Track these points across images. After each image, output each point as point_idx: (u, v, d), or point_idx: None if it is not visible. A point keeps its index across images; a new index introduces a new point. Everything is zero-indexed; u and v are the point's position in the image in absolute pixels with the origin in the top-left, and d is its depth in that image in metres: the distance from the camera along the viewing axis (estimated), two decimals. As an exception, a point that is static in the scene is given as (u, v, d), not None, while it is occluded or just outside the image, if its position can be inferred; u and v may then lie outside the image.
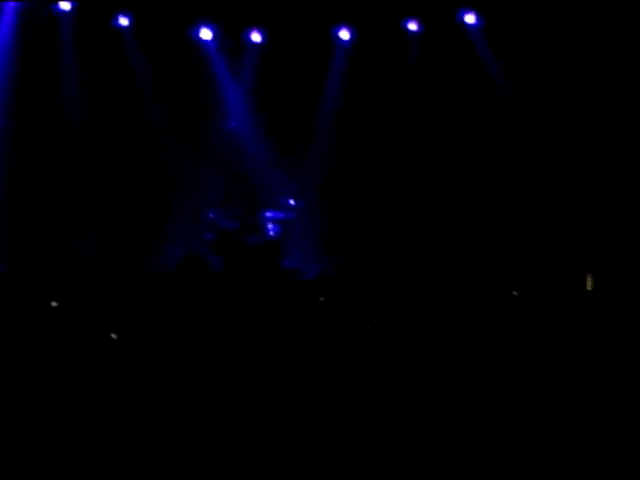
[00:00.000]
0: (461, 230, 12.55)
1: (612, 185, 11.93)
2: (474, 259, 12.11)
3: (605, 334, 7.22)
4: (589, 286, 10.93)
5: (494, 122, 12.58)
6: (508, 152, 12.51)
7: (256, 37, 13.04)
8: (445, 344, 7.61)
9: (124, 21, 12.74)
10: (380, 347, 7.93)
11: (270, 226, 13.04)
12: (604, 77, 11.84)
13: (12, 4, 12.33)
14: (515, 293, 10.00)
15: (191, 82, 13.02)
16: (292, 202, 13.18)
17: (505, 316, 8.81)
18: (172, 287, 10.64)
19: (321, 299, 11.02)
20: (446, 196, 12.71)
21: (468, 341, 7.77)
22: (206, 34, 12.93)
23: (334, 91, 13.08)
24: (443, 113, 12.64)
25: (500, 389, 6.14)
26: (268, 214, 13.10)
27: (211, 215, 13.03)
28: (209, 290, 10.69)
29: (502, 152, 12.53)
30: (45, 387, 6.03)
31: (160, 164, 13.06)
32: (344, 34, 12.88)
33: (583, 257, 11.68)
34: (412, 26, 12.66)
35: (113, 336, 8.27)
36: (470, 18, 12.46)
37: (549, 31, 11.93)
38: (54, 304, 9.09)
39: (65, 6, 12.48)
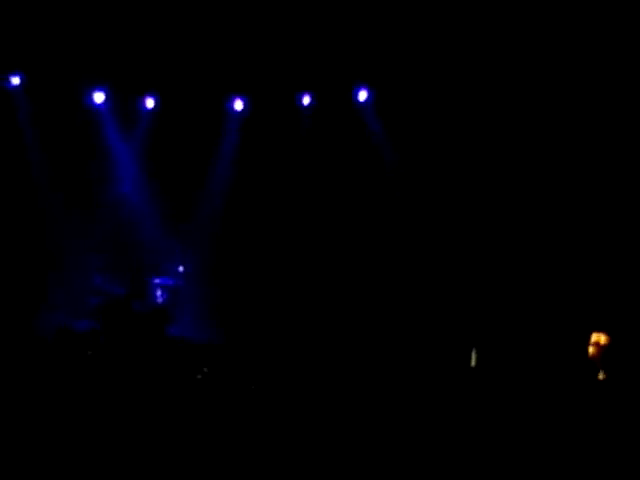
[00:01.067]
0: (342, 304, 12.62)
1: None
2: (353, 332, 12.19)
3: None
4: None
5: (380, 187, 12.75)
6: (390, 217, 12.68)
7: (150, 103, 13.02)
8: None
9: (15, 80, 12.56)
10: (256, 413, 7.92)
11: (158, 293, 12.89)
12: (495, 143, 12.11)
13: None
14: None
15: (83, 145, 12.90)
16: (181, 269, 13.09)
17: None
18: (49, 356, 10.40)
19: (205, 369, 10.91)
20: (332, 263, 12.79)
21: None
22: (99, 97, 12.83)
23: (226, 158, 13.13)
24: (331, 180, 12.78)
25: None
26: (156, 280, 12.96)
27: (98, 280, 12.81)
28: (89, 359, 10.48)
29: (385, 216, 12.69)
30: None
31: (48, 227, 12.81)
32: (238, 104, 12.97)
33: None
34: (305, 100, 12.84)
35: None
36: (362, 95, 12.69)
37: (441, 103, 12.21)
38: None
39: None
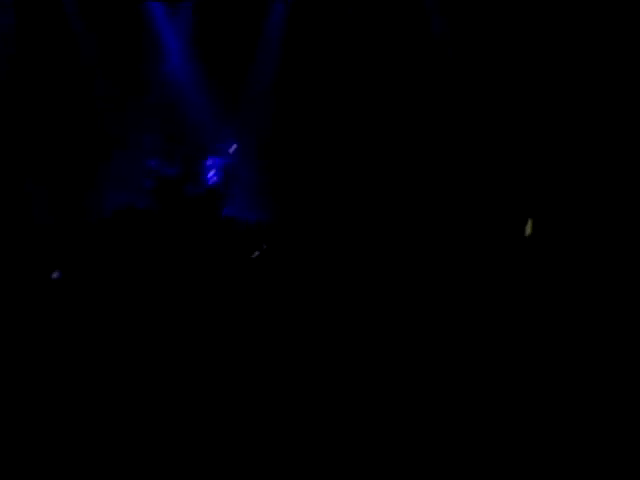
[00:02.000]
0: (399, 181, 12.55)
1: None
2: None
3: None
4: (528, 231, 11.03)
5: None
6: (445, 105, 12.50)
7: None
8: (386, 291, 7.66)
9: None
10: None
11: (211, 174, 12.93)
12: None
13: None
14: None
15: (126, 28, 12.78)
16: (233, 149, 13.07)
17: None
18: (110, 236, 10.57)
19: (264, 246, 11.02)
20: (388, 147, 12.68)
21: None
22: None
23: (273, 37, 12.94)
24: (384, 66, 12.57)
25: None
26: (209, 161, 12.98)
27: (151, 163, 12.87)
28: (148, 238, 10.63)
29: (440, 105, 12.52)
30: None
31: (96, 111, 12.83)
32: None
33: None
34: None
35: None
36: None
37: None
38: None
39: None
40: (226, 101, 12.99)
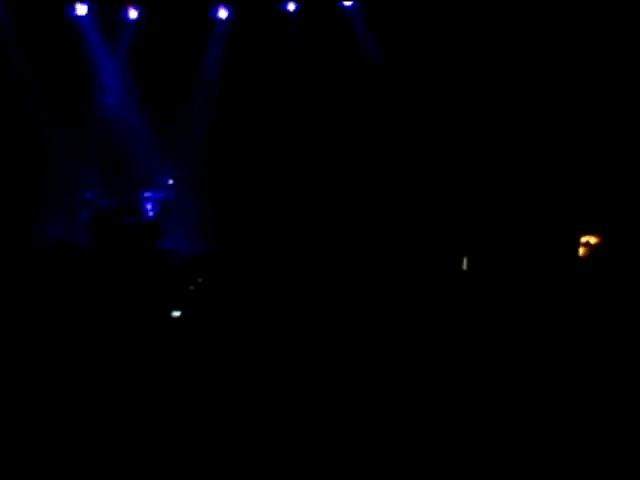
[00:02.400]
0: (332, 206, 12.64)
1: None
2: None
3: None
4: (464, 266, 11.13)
5: (367, 95, 12.68)
6: (379, 126, 12.64)
7: (133, 14, 12.80)
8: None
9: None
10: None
11: (148, 206, 12.88)
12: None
13: None
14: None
15: (67, 58, 12.69)
16: (170, 181, 13.04)
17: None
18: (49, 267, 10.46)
19: (199, 280, 10.96)
20: (319, 172, 12.77)
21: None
22: (82, 10, 12.62)
23: (211, 69, 12.97)
24: (320, 90, 12.69)
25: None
26: (147, 194, 12.93)
27: (88, 195, 12.78)
28: (83, 271, 10.53)
29: (371, 124, 12.65)
30: None
31: (35, 141, 12.70)
32: (222, 13, 12.78)
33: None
34: (290, 6, 12.66)
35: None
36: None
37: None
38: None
39: None
40: (163, 133, 12.97)
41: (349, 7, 12.58)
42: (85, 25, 12.77)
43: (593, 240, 8.14)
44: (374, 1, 12.41)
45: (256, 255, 11.89)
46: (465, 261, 11.06)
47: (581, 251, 8.53)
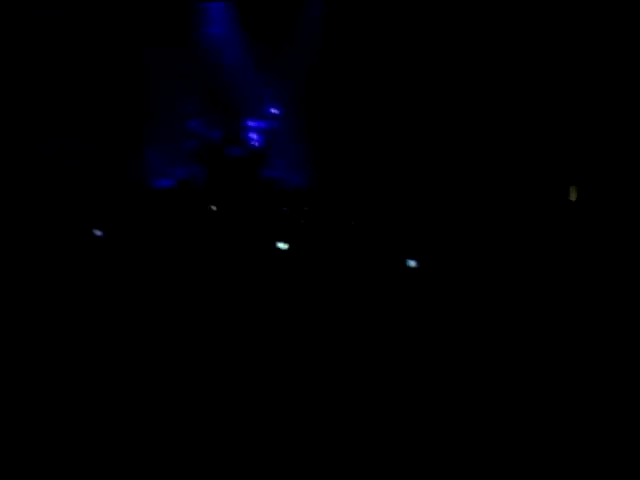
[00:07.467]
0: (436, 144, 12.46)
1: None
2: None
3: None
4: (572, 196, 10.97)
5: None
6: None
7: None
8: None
9: None
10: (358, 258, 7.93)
11: (252, 136, 12.91)
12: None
13: None
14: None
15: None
16: (274, 111, 13.03)
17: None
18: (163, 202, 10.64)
19: (305, 208, 11.01)
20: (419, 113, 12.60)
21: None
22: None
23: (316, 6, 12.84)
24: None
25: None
26: (250, 123, 12.95)
27: (192, 124, 12.87)
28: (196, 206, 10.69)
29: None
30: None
31: (137, 70, 12.78)
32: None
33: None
34: None
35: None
36: None
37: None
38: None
39: None
40: (267, 63, 12.91)
41: None
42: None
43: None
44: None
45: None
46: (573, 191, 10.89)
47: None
